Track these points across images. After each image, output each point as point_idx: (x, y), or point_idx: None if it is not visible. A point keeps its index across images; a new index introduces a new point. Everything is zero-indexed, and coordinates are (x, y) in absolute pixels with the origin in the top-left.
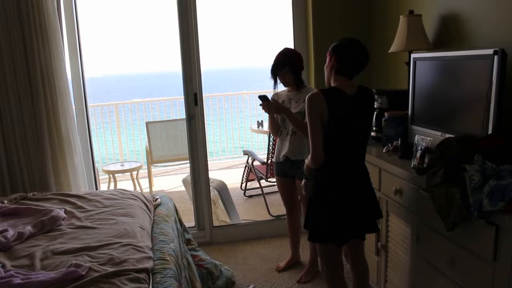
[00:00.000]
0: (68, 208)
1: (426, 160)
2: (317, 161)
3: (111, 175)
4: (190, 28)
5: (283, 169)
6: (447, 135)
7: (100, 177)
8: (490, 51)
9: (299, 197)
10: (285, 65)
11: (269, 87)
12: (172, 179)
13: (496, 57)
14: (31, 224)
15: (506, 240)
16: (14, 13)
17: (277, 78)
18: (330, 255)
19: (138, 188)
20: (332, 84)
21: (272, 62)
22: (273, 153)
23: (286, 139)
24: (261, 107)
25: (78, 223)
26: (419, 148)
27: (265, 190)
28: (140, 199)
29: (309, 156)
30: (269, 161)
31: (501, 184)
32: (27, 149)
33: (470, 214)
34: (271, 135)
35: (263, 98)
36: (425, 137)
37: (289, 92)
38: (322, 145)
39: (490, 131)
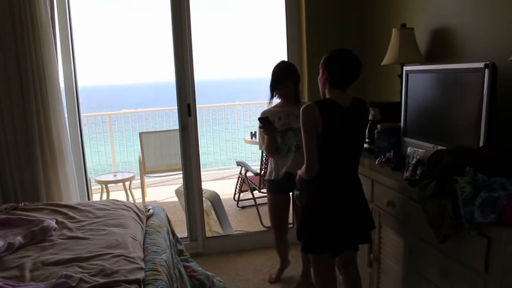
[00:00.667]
0: (60, 218)
1: (418, 172)
2: (311, 172)
3: (104, 186)
4: (184, 39)
5: (282, 186)
6: (439, 147)
7: (93, 188)
8: (481, 65)
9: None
10: (289, 78)
11: (261, 99)
12: (165, 190)
13: (487, 71)
14: (22, 235)
15: (497, 252)
16: (7, 19)
17: (275, 92)
18: (323, 266)
19: (130, 199)
20: (327, 96)
21: (271, 75)
22: (265, 169)
23: (288, 156)
24: (260, 129)
25: (69, 234)
26: (412, 160)
27: (258, 201)
28: (132, 209)
29: (303, 167)
30: (262, 172)
31: (492, 196)
32: (18, 158)
33: (462, 226)
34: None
35: (264, 120)
36: (417, 149)
37: (283, 108)
38: (317, 157)
39: (481, 143)
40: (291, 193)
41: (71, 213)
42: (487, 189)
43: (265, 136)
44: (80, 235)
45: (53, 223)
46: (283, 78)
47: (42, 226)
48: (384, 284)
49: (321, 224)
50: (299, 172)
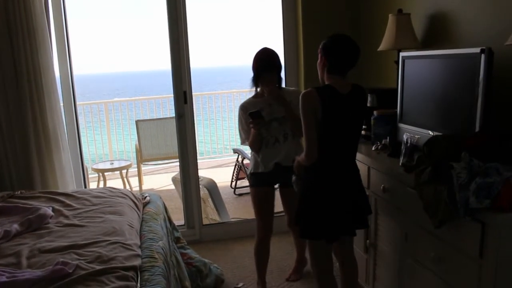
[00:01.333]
0: (56, 206)
1: (414, 158)
2: (311, 159)
3: (101, 174)
4: (179, 26)
5: (270, 178)
6: (435, 133)
7: (90, 176)
8: (477, 50)
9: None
10: (273, 65)
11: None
12: (161, 178)
13: (483, 56)
14: (18, 222)
15: (491, 237)
16: (1, 8)
17: (259, 80)
18: (320, 252)
19: (127, 187)
20: (326, 82)
21: (253, 62)
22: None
23: (276, 147)
24: (244, 123)
25: (66, 221)
26: (408, 146)
27: None
28: (129, 197)
29: (303, 154)
30: None
31: (487, 181)
32: (13, 146)
33: (457, 211)
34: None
35: (256, 115)
36: (413, 135)
37: (265, 96)
38: (316, 143)
39: (477, 129)
40: (276, 185)
41: (67, 201)
42: (482, 175)
43: (251, 131)
44: (77, 222)
45: (49, 211)
46: (267, 65)
47: (38, 214)
48: (380, 270)
49: (319, 210)
50: (298, 158)
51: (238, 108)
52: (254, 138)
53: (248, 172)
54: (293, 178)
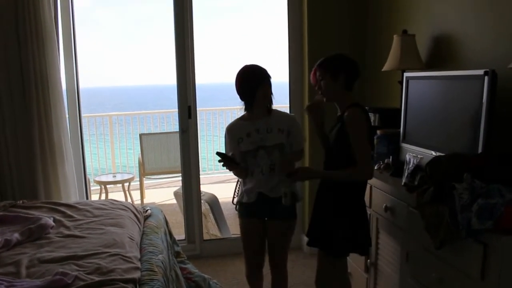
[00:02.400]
0: (57, 216)
1: (416, 178)
2: (369, 176)
3: (103, 186)
4: (186, 41)
5: (255, 209)
6: (438, 154)
7: (92, 188)
8: (481, 72)
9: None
10: (267, 78)
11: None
12: (164, 192)
13: (486, 78)
14: (19, 232)
15: (494, 259)
16: (11, 19)
17: (254, 98)
18: (345, 268)
19: (129, 200)
20: (347, 101)
21: (241, 80)
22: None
23: (262, 176)
24: (224, 166)
25: (67, 232)
26: (410, 166)
27: None
28: (130, 209)
29: (357, 172)
30: None
31: (490, 202)
32: (18, 156)
33: (459, 232)
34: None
35: (223, 157)
36: (416, 155)
37: (252, 120)
38: None
39: (480, 150)
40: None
41: (69, 212)
42: (484, 196)
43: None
44: (77, 233)
45: (50, 221)
46: (261, 78)
47: (39, 224)
48: None
49: (362, 222)
50: (342, 173)
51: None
52: (235, 172)
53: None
54: (284, 190)
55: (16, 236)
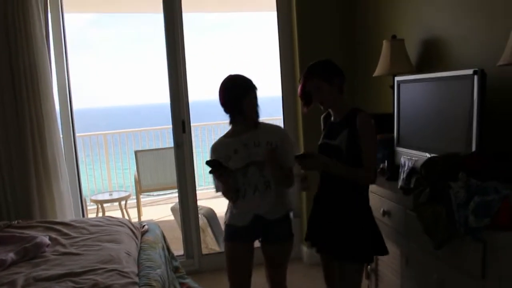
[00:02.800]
0: (53, 235)
1: (412, 180)
2: (374, 181)
3: (99, 205)
4: (177, 53)
5: (248, 233)
6: (433, 155)
7: (89, 208)
8: (470, 71)
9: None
10: (253, 88)
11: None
12: (161, 209)
13: (476, 77)
14: (14, 251)
15: (493, 256)
16: (2, 37)
17: (241, 110)
18: (362, 275)
19: (126, 218)
20: (345, 105)
21: (225, 91)
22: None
23: (256, 197)
24: (212, 174)
25: (63, 250)
26: (405, 169)
27: None
28: (127, 225)
29: (364, 175)
30: None
31: (486, 200)
32: (11, 176)
33: (456, 230)
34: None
35: (213, 164)
36: (410, 158)
37: (238, 136)
38: None
39: (473, 149)
40: (258, 240)
41: (65, 230)
42: (480, 193)
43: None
44: (74, 251)
45: (46, 239)
46: (247, 87)
47: (35, 242)
48: None
49: (374, 228)
50: (350, 173)
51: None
52: (225, 188)
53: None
54: (297, 172)
55: (11, 255)
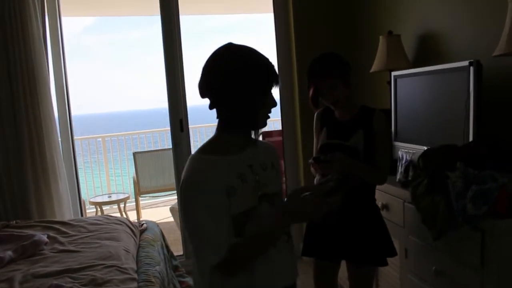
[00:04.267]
0: (51, 233)
1: (410, 173)
2: (385, 182)
3: (98, 207)
4: (175, 51)
5: None
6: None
7: (87, 210)
8: (465, 63)
9: None
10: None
11: None
12: (160, 211)
13: (472, 68)
14: (12, 249)
15: (492, 245)
16: (0, 50)
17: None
18: None
19: None
20: (354, 103)
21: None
22: None
23: (279, 253)
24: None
25: (61, 247)
26: (403, 162)
27: None
28: (125, 224)
29: (383, 174)
30: None
31: (483, 188)
32: (10, 178)
33: (455, 220)
34: None
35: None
36: (408, 151)
37: (234, 154)
38: None
39: (470, 139)
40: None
41: (63, 228)
42: (478, 182)
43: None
44: (72, 248)
45: (44, 237)
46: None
47: (33, 240)
48: None
49: (386, 230)
50: (367, 176)
51: (191, 181)
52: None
53: None
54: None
55: (9, 253)
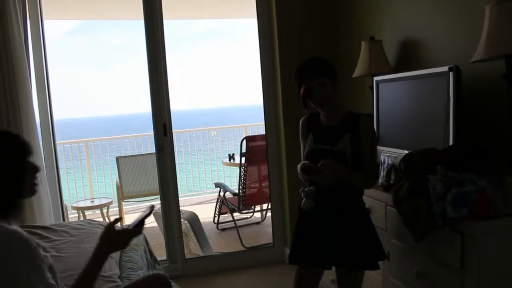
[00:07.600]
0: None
1: (392, 176)
2: (373, 186)
3: (81, 212)
4: (158, 58)
5: None
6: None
7: (70, 215)
8: (445, 68)
9: None
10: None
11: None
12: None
13: (451, 73)
14: None
15: (471, 246)
16: None
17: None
18: None
19: None
20: (340, 106)
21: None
22: (244, 189)
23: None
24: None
25: (42, 253)
26: (385, 166)
27: (238, 222)
28: None
29: (370, 179)
30: (241, 192)
31: (463, 191)
32: None
33: (435, 222)
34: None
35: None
36: (390, 155)
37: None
38: None
39: (451, 143)
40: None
41: (45, 234)
42: (457, 185)
43: None
44: (54, 253)
45: None
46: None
47: None
48: None
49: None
50: (353, 179)
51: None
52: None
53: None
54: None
55: None
